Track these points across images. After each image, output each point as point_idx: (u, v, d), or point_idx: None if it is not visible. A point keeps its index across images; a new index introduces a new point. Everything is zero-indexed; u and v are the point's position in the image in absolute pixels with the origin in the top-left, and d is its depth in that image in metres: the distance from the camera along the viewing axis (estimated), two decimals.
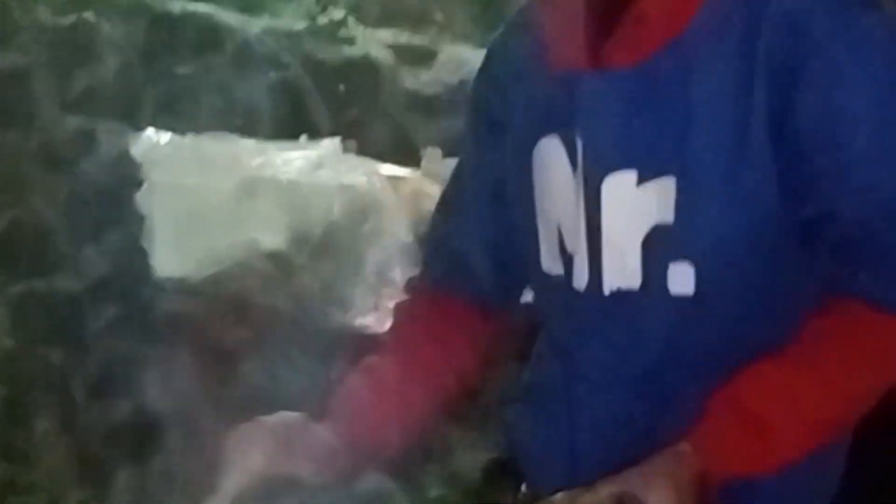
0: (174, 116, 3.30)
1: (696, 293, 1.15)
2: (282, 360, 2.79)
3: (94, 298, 3.28)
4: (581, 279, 1.22)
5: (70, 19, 3.26)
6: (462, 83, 4.01)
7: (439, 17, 4.18)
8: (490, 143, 1.34)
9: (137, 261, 2.95)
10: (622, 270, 1.18)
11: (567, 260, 1.24)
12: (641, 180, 1.16)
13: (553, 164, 1.24)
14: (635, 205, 1.17)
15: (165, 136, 3.07)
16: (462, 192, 1.39)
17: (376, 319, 2.84)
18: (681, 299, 1.16)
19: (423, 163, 3.35)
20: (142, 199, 2.93)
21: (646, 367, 1.20)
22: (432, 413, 1.35)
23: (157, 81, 3.38)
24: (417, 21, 4.09)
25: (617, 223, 1.18)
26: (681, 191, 1.14)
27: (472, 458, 2.94)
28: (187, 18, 3.47)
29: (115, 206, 3.14)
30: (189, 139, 3.07)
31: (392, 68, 3.84)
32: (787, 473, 1.10)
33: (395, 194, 3.00)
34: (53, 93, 3.21)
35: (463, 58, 4.06)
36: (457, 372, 1.36)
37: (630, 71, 1.18)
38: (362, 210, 2.89)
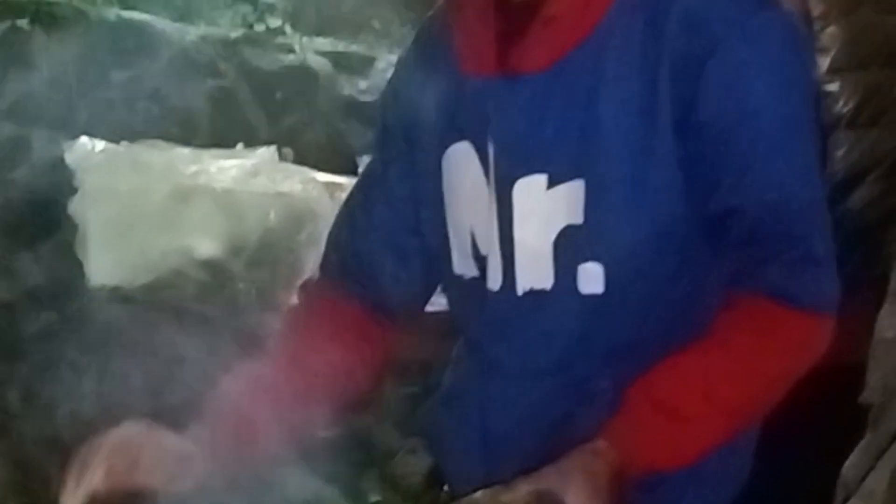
0: (109, 124, 3.28)
1: (605, 291, 1.17)
2: (217, 367, 2.76)
3: (29, 306, 3.25)
4: (495, 281, 1.24)
5: (4, 26, 3.23)
6: None
7: (376, 24, 4.20)
8: (398, 150, 1.35)
9: (72, 269, 2.93)
10: (535, 271, 1.20)
11: (481, 263, 1.25)
12: (552, 184, 1.18)
13: (464, 169, 1.25)
14: (546, 208, 1.19)
15: (100, 144, 3.06)
16: (368, 197, 1.40)
17: None
18: (591, 298, 1.18)
19: (360, 170, 3.36)
20: (76, 206, 2.91)
21: (558, 363, 1.22)
22: (308, 416, 1.30)
23: (91, 89, 3.36)
24: (355, 29, 4.11)
25: (529, 226, 1.20)
26: (589, 193, 1.16)
27: (412, 463, 2.95)
28: (123, 25, 3.46)
29: (49, 213, 3.12)
30: (124, 146, 3.06)
31: (329, 76, 3.85)
32: (699, 465, 1.12)
33: (332, 201, 3.00)
34: None
35: None
36: (344, 374, 1.33)
37: (539, 75, 1.20)
38: (298, 217, 2.90)
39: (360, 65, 3.97)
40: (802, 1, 2.10)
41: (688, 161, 1.14)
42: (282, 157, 3.16)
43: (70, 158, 3.01)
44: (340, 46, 4.00)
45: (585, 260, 1.18)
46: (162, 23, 3.54)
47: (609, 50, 1.16)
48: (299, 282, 2.85)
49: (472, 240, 1.26)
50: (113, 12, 3.46)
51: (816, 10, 2.17)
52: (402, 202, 1.35)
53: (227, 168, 2.92)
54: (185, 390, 2.83)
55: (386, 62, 4.04)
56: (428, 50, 1.34)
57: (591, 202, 1.17)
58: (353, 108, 3.89)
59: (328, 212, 2.96)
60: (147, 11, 3.56)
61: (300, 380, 1.30)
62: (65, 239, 3.02)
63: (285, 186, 2.92)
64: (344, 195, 3.09)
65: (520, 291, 1.22)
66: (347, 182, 3.25)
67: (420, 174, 1.31)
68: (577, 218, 1.17)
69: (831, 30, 2.17)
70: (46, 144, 3.20)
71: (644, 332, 1.18)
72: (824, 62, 2.14)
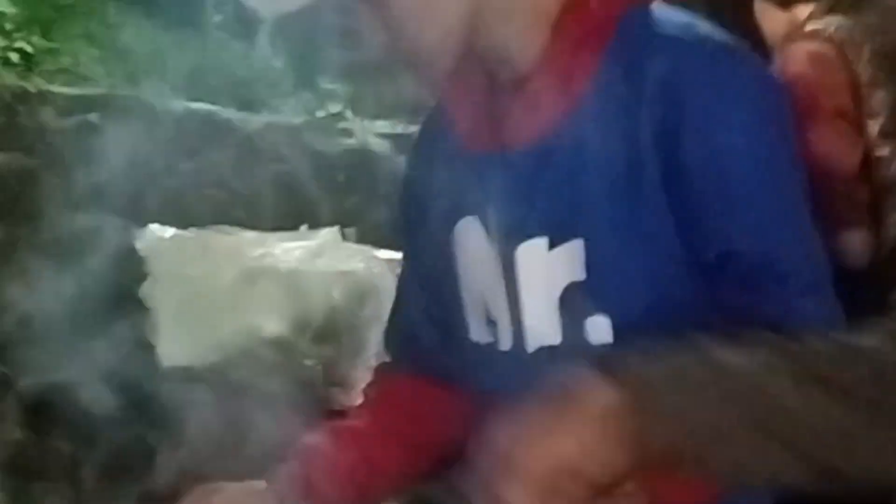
0: (177, 211, 3.37)
1: (614, 340, 1.20)
2: (287, 444, 2.79)
3: (103, 388, 3.32)
4: (506, 342, 1.28)
5: (75, 120, 3.34)
6: None
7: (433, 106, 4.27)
8: (418, 226, 1.41)
9: (144, 351, 2.99)
10: (543, 329, 1.24)
11: (493, 328, 1.30)
12: (552, 245, 1.23)
13: (472, 242, 1.31)
14: (549, 268, 1.23)
15: (169, 231, 3.15)
16: (405, 277, 1.50)
17: None
18: (601, 347, 1.21)
19: None
20: (147, 291, 2.98)
21: None
22: (396, 479, 1.39)
23: (160, 178, 3.45)
24: (412, 111, 4.18)
25: (534, 287, 1.25)
26: (589, 250, 1.21)
27: None
28: (189, 116, 3.55)
29: (122, 298, 3.19)
30: (192, 232, 3.14)
31: (389, 157, 3.92)
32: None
33: (394, 277, 3.05)
34: (60, 191, 3.27)
35: None
36: (419, 441, 1.41)
37: (529, 149, 1.25)
38: (361, 294, 2.95)
39: None
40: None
41: (677, 210, 1.18)
42: (344, 237, 3.21)
43: (141, 245, 3.09)
44: (399, 128, 4.06)
45: (592, 314, 1.21)
46: (227, 112, 3.64)
47: (593, 118, 1.21)
48: (364, 356, 2.91)
49: (485, 307, 1.31)
50: (179, 104, 3.56)
51: (864, 75, 2.20)
52: (426, 278, 1.42)
53: (292, 249, 2.99)
54: (255, 466, 2.88)
55: None
56: (434, 134, 1.40)
57: (592, 259, 1.21)
58: None
59: (390, 287, 3.01)
60: (212, 102, 3.66)
61: (382, 442, 1.39)
62: (137, 322, 3.09)
63: (348, 265, 2.98)
64: None
65: (530, 349, 1.26)
66: None
67: (436, 248, 1.37)
68: (580, 275, 1.21)
69: (880, 95, 2.18)
70: (118, 232, 3.28)
71: None
72: (874, 127, 2.15)
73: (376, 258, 3.10)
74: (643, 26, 1.22)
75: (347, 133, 3.87)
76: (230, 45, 3.98)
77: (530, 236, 1.24)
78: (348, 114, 3.98)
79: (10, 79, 3.31)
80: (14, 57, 3.40)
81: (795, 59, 1.41)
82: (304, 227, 3.29)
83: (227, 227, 3.16)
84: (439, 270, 1.37)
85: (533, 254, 1.24)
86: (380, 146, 3.92)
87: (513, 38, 1.25)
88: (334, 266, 2.96)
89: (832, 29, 1.44)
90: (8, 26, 3.50)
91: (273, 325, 2.85)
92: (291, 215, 3.55)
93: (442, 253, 1.36)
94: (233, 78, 3.83)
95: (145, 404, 3.29)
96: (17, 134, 3.23)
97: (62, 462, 3.25)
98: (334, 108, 3.95)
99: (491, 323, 1.31)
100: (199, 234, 3.13)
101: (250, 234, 3.12)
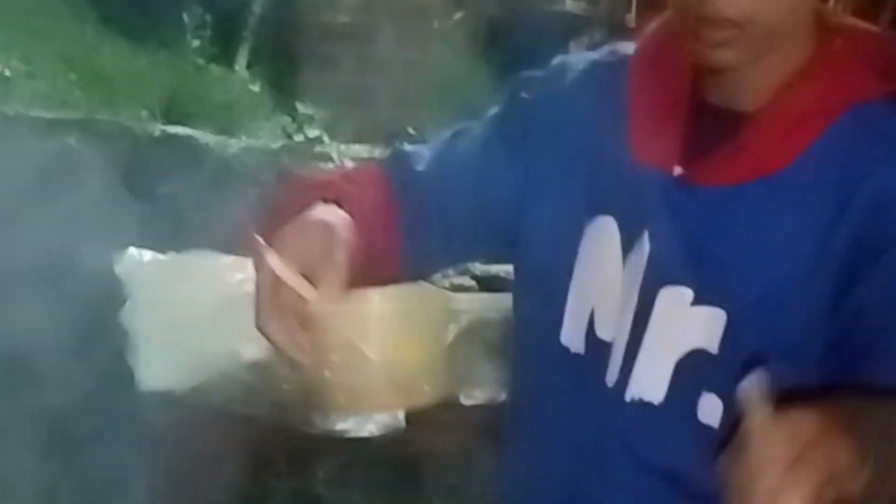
0: (156, 235, 3.38)
1: (720, 425, 1.12)
2: (268, 466, 2.82)
3: (80, 412, 3.32)
4: (612, 375, 1.19)
5: (54, 143, 3.35)
6: None
7: (411, 130, 4.31)
8: (509, 148, 1.29)
9: (122, 375, 3.00)
10: (649, 382, 1.16)
11: (592, 345, 1.21)
12: (696, 301, 1.14)
13: (604, 246, 1.21)
14: (683, 323, 1.14)
15: (147, 254, 3.15)
16: (459, 150, 1.32)
17: (356, 423, 2.90)
18: (706, 428, 1.13)
19: None
20: (126, 314, 2.99)
21: (662, 482, 1.17)
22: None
23: (138, 201, 3.46)
24: (390, 135, 4.21)
25: (661, 336, 1.16)
26: (730, 326, 1.12)
27: None
28: (167, 140, 3.57)
29: (100, 322, 3.20)
30: (170, 256, 3.15)
31: None
32: None
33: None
34: (38, 214, 3.27)
35: None
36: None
37: (716, 192, 1.15)
38: None
39: None
40: None
41: (836, 331, 1.08)
42: None
43: (119, 269, 3.10)
44: (376, 152, 4.10)
45: (709, 390, 1.13)
46: (205, 136, 3.66)
47: (790, 193, 1.12)
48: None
49: (590, 318, 1.21)
50: (157, 127, 3.59)
51: None
52: (496, 182, 1.28)
53: None
54: (235, 491, 2.88)
55: None
56: (593, 103, 1.26)
57: (731, 335, 1.11)
58: None
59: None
60: (190, 126, 3.68)
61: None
62: (115, 346, 3.09)
63: None
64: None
65: (627, 397, 1.17)
66: None
67: (558, 230, 1.24)
68: (712, 346, 1.13)
69: None
70: (96, 256, 3.29)
71: None
72: None
73: None
74: (881, 120, 1.12)
75: (325, 157, 3.90)
76: (208, 69, 4.00)
77: (678, 282, 1.14)
78: (325, 138, 4.01)
79: None
80: None
81: None
82: None
83: (205, 252, 3.17)
84: (550, 252, 1.24)
85: (675, 301, 1.15)
86: None
87: (758, 72, 1.15)
88: None
89: None
90: None
91: (252, 349, 2.86)
92: None
93: (563, 238, 1.23)
94: (211, 102, 3.85)
95: (124, 427, 3.29)
96: None
97: (39, 485, 3.25)
98: (312, 132, 3.98)
99: (593, 339, 1.20)
100: (178, 259, 3.13)
101: (228, 259, 3.13)
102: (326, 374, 1.10)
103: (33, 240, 3.24)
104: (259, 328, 1.13)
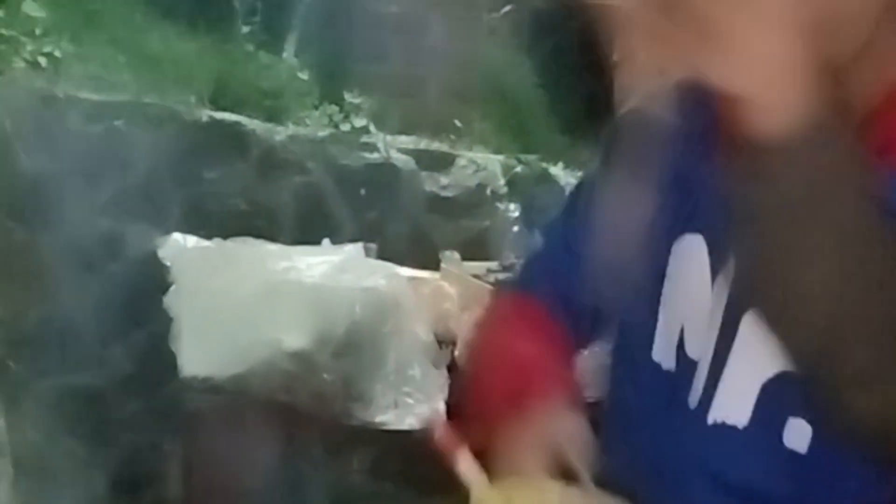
0: (201, 221, 3.39)
1: (808, 452, 1.09)
2: (304, 456, 2.82)
3: (120, 394, 3.34)
4: (695, 396, 1.17)
5: (101, 126, 3.36)
6: (479, 186, 4.12)
7: (458, 123, 4.30)
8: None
9: (164, 359, 3.01)
10: (733, 405, 1.14)
11: (683, 361, 1.21)
12: None
13: (693, 264, 1.20)
14: (769, 347, 1.06)
15: (192, 240, 3.17)
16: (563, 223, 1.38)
17: (396, 416, 2.90)
18: (793, 453, 1.10)
19: (442, 265, 3.43)
20: (169, 300, 3.00)
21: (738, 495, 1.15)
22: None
23: (184, 186, 3.48)
24: (436, 128, 4.21)
25: (745, 360, 1.13)
26: None
27: None
28: (214, 125, 3.58)
29: (143, 306, 3.21)
30: (215, 243, 3.16)
31: (412, 173, 3.94)
32: None
33: (415, 295, 3.07)
34: (84, 196, 3.29)
35: (480, 162, 4.17)
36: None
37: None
38: (383, 311, 2.96)
39: (442, 162, 4.06)
40: None
41: None
42: (366, 253, 3.23)
43: (163, 253, 3.11)
44: (422, 144, 4.10)
45: (796, 415, 1.10)
46: (252, 123, 3.66)
47: None
48: (384, 372, 2.90)
49: (680, 335, 1.20)
50: (205, 113, 3.59)
51: None
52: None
53: (316, 264, 3.00)
54: (273, 478, 2.89)
55: (466, 159, 4.14)
56: (690, 123, 1.21)
57: None
58: (435, 204, 3.98)
59: (411, 305, 3.03)
60: (238, 112, 3.68)
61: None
62: (158, 331, 3.11)
63: (370, 281, 2.99)
64: (426, 289, 3.18)
65: (710, 420, 1.15)
66: (430, 276, 3.32)
67: (649, 248, 1.22)
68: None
69: None
70: (141, 240, 3.31)
71: (842, 492, 1.09)
72: None
73: (398, 275, 3.12)
74: None
75: (371, 147, 3.90)
76: (257, 55, 4.01)
77: None
78: (372, 128, 4.00)
79: (39, 83, 3.34)
80: (43, 61, 3.43)
81: None
82: (326, 241, 3.31)
83: (249, 239, 3.18)
84: (641, 270, 1.22)
85: (760, 325, 1.07)
86: (402, 161, 3.94)
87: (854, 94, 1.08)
88: (357, 282, 2.97)
89: None
90: (37, 31, 3.52)
91: (294, 338, 2.87)
92: (313, 228, 3.57)
93: (654, 256, 1.22)
94: (259, 89, 3.86)
95: (163, 412, 3.31)
96: (43, 138, 3.25)
97: (77, 465, 3.27)
98: (358, 122, 3.97)
99: (682, 356, 1.19)
100: (222, 245, 3.14)
101: (273, 247, 3.14)
102: None
103: (79, 221, 3.26)
104: None
